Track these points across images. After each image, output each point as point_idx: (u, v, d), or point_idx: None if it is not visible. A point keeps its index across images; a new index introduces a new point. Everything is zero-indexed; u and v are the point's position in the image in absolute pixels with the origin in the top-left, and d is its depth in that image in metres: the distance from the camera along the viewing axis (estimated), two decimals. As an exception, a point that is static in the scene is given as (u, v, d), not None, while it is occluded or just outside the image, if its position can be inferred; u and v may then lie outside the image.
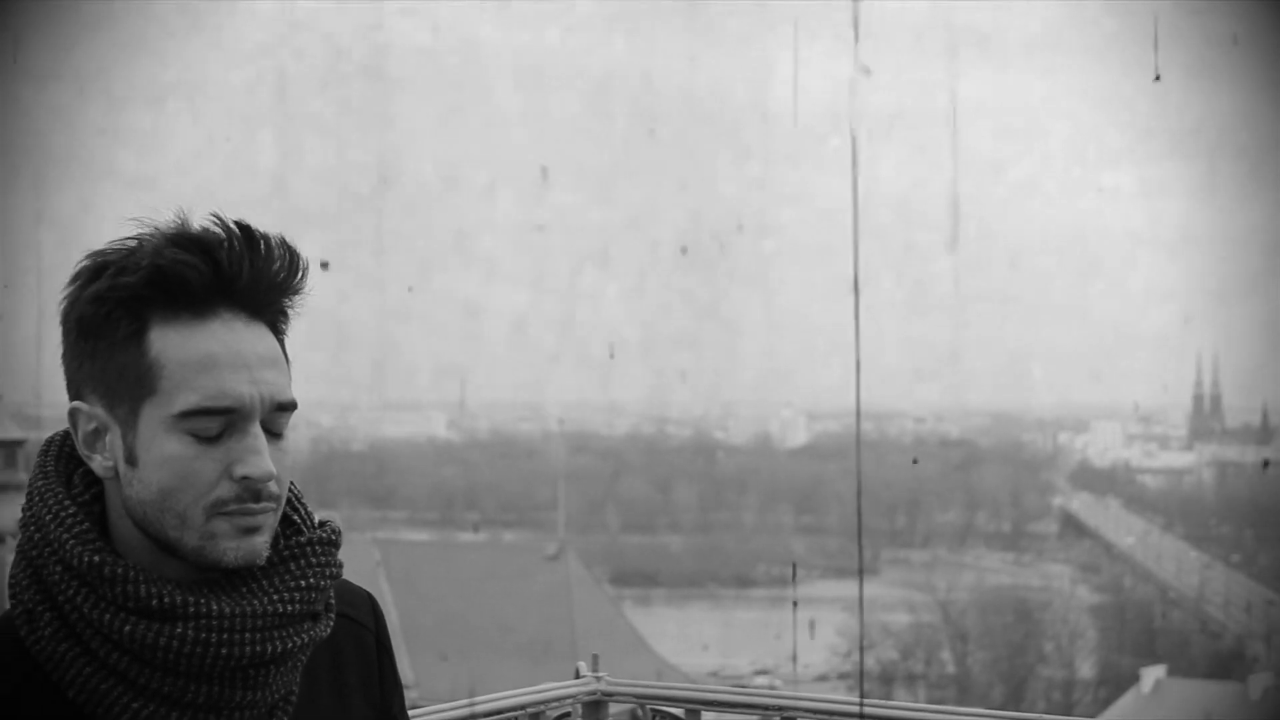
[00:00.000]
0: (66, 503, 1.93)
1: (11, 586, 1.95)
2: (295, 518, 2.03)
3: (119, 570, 1.87)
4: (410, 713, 2.32)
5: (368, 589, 2.23)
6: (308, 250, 1.98)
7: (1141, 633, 58.90)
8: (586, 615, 52.68)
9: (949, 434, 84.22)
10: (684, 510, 78.45)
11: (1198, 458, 76.88)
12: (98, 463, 1.93)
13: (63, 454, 2.00)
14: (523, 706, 4.50)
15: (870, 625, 59.20)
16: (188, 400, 1.87)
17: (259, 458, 1.89)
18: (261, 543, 1.91)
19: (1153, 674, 48.09)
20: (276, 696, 1.94)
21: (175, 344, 1.88)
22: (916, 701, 38.59)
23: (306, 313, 2.01)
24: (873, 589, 68.27)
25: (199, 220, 1.93)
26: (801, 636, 61.25)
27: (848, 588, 67.78)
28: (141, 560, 1.90)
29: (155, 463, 1.88)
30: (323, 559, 1.99)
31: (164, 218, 1.94)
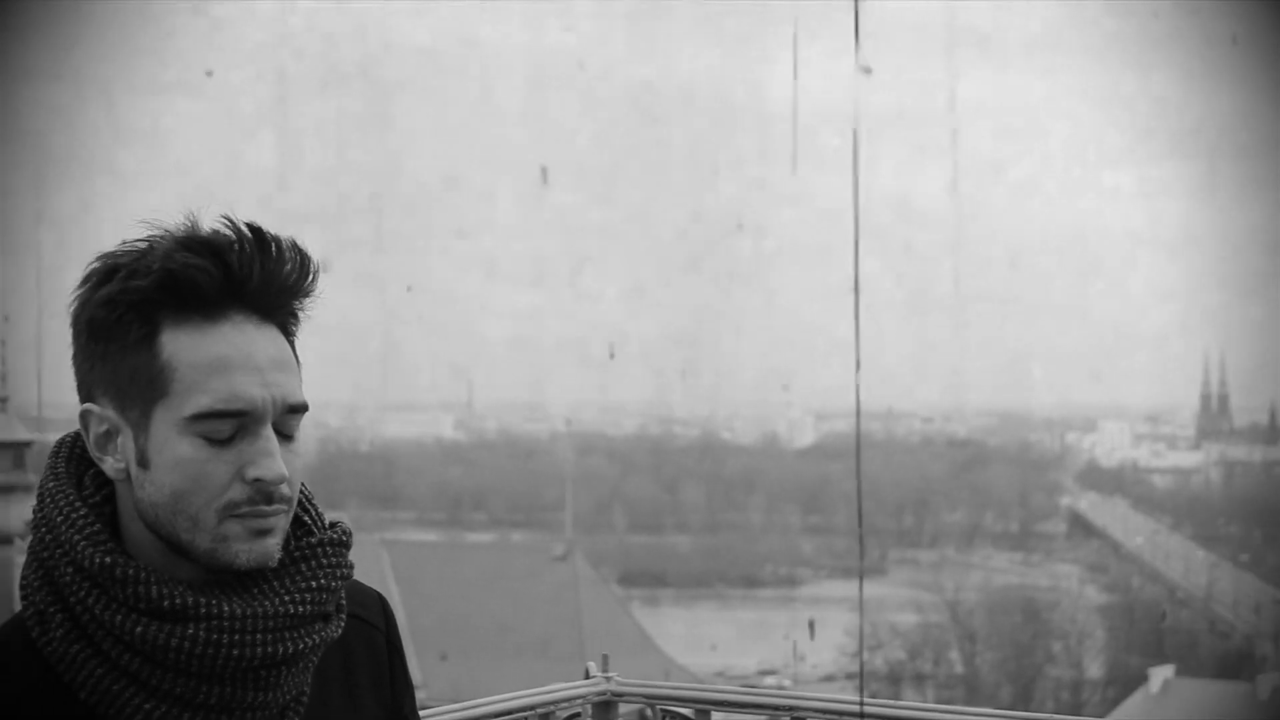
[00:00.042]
0: (78, 504, 1.93)
1: (23, 588, 1.95)
2: (306, 519, 2.03)
3: (130, 571, 1.87)
4: (420, 713, 2.32)
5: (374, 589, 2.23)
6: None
7: (1150, 632, 58.88)
8: (594, 615, 52.72)
9: (956, 434, 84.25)
10: (691, 510, 78.49)
11: (1205, 457, 76.88)
12: (109, 465, 1.93)
13: (73, 455, 2.00)
14: (532, 707, 4.50)
15: (878, 625, 59.24)
16: (200, 403, 1.87)
17: (271, 460, 1.89)
18: (274, 545, 1.91)
19: (1161, 674, 48.08)
20: (288, 697, 1.94)
21: (187, 346, 1.88)
22: (925, 701, 38.57)
23: (312, 314, 2.01)
24: (881, 589, 68.29)
25: (209, 222, 1.93)
26: (808, 636, 61.24)
27: (855, 588, 67.80)
28: (153, 561, 1.90)
29: (167, 465, 1.88)
30: (334, 560, 1.99)
31: (173, 219, 1.94)
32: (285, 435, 1.92)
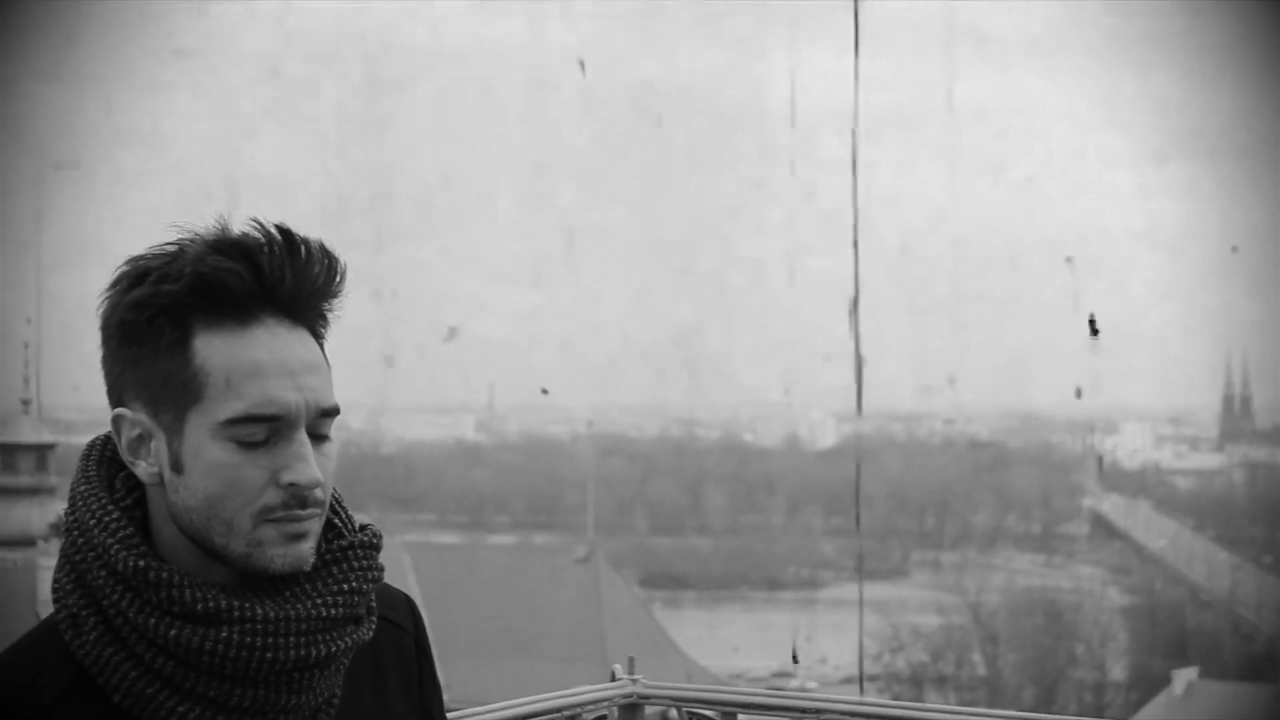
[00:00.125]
0: (110, 507, 1.93)
1: (55, 590, 1.95)
2: (336, 521, 2.03)
3: (164, 575, 1.87)
4: (447, 715, 2.32)
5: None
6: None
7: (1173, 635, 58.75)
8: (615, 617, 52.72)
9: (978, 435, 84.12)
10: (713, 512, 78.51)
11: (1228, 459, 76.70)
12: (142, 469, 1.93)
13: (104, 458, 2.00)
14: (559, 709, 4.50)
15: (900, 627, 59.21)
16: (234, 408, 1.87)
17: (305, 464, 1.89)
18: (307, 549, 1.92)
19: (1184, 676, 47.96)
20: (320, 700, 1.95)
21: (220, 351, 1.88)
22: (947, 704, 38.52)
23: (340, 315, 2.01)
24: (903, 591, 68.27)
25: (239, 224, 1.92)
26: (831, 637, 61.24)
27: (878, 589, 67.80)
28: (185, 565, 1.91)
29: (202, 470, 1.88)
30: (364, 563, 2.00)
31: (203, 221, 1.94)
32: (318, 438, 1.93)
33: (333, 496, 2.01)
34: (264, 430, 1.87)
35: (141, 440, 1.92)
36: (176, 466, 1.89)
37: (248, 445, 1.87)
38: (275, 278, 1.89)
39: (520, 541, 71.87)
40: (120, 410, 1.93)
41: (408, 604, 2.22)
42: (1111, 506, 78.31)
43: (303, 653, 1.88)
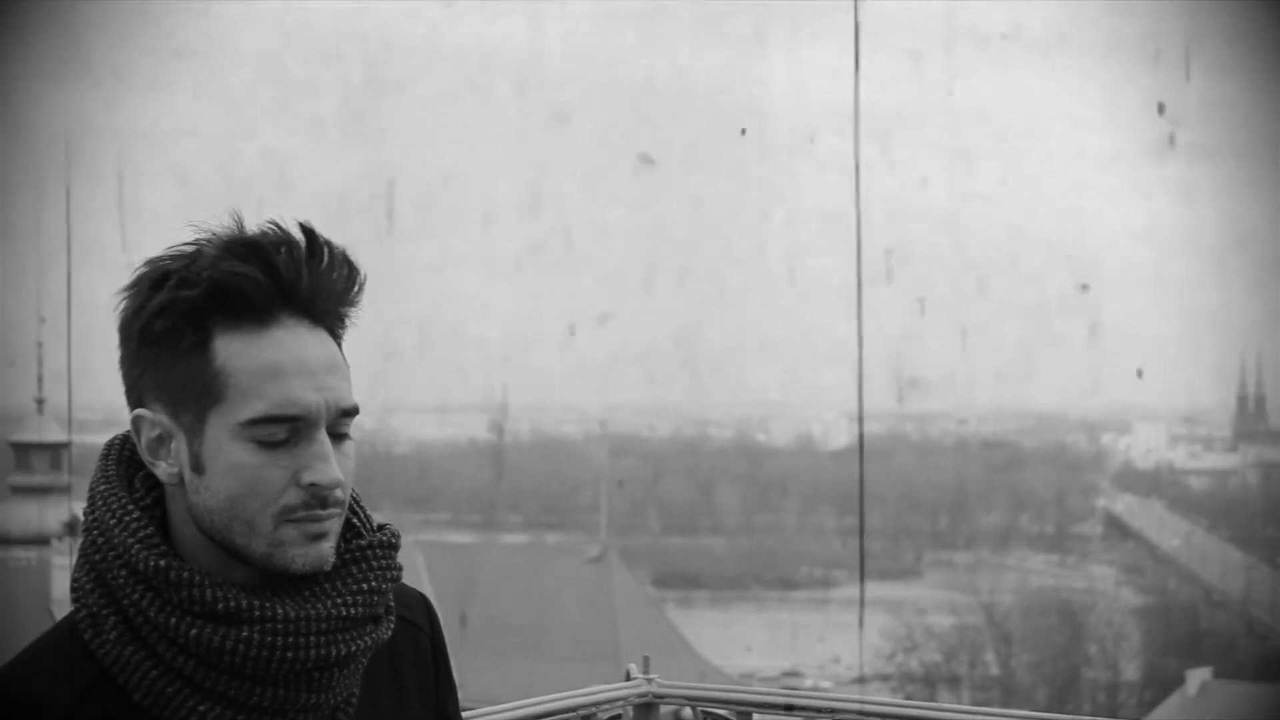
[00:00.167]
0: (130, 507, 1.93)
1: (75, 590, 1.96)
2: (355, 521, 2.03)
3: (185, 575, 1.88)
4: (462, 714, 2.33)
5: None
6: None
7: (1187, 635, 58.67)
8: (628, 617, 52.72)
9: (991, 435, 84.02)
10: (726, 512, 78.47)
11: (1242, 459, 76.53)
12: (162, 469, 1.93)
13: (122, 457, 2.01)
14: (574, 708, 4.51)
15: (914, 627, 59.18)
16: (255, 409, 1.87)
17: (326, 464, 1.89)
18: (328, 549, 1.92)
19: (1198, 676, 47.88)
20: (339, 699, 1.96)
21: (240, 352, 1.88)
22: (960, 704, 38.50)
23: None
24: (916, 591, 68.22)
25: (258, 224, 1.93)
26: (845, 637, 61.23)
27: (891, 589, 67.73)
28: (205, 564, 1.91)
29: (223, 471, 1.89)
30: (383, 562, 2.00)
31: (220, 221, 1.94)
32: (337, 437, 1.93)
33: (351, 496, 2.02)
34: (285, 430, 1.88)
35: (161, 441, 1.92)
36: (197, 467, 1.90)
37: (269, 445, 1.88)
38: (291, 278, 1.90)
39: (533, 541, 71.86)
40: (140, 411, 1.94)
41: (424, 603, 2.22)
42: (1125, 506, 78.18)
43: (323, 652, 1.89)
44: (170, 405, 1.91)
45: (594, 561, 56.37)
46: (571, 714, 4.49)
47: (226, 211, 1.95)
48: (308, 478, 1.88)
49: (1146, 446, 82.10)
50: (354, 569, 1.96)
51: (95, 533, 1.94)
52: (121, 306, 1.94)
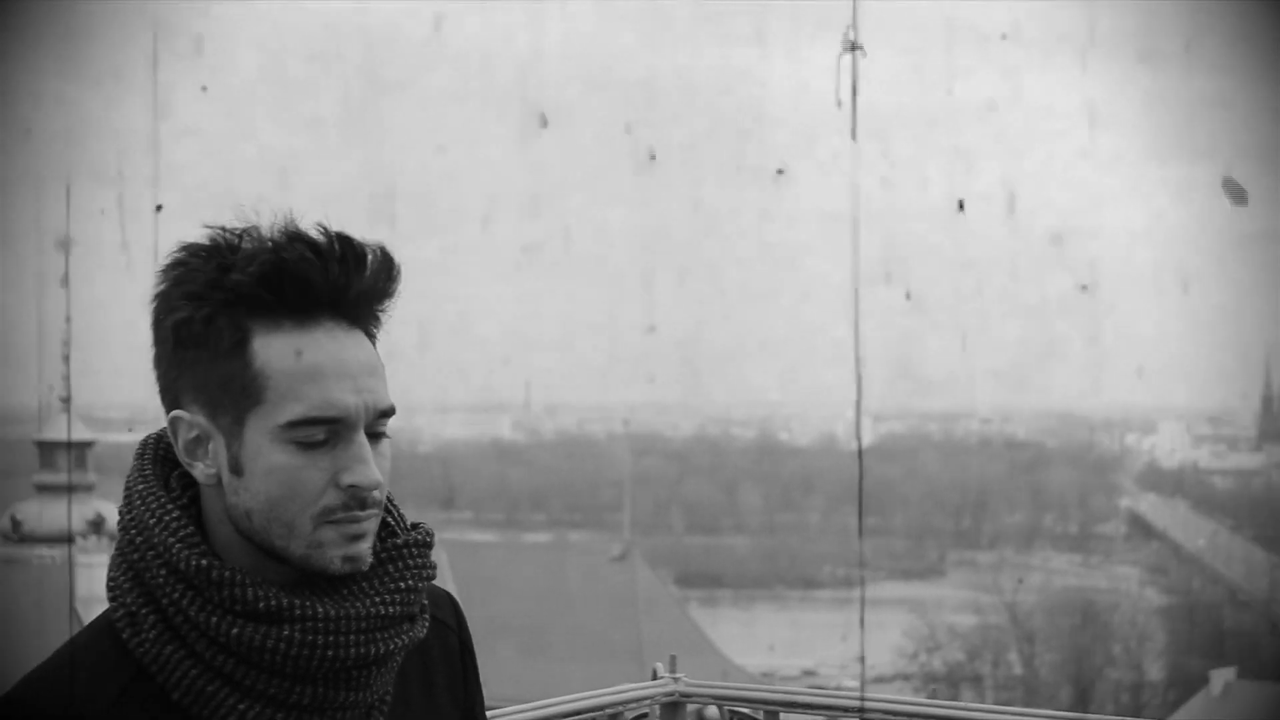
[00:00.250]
0: (170, 506, 1.94)
1: (111, 589, 1.96)
2: (389, 520, 2.04)
3: (226, 574, 1.88)
4: (489, 713, 2.34)
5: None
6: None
7: (1211, 635, 58.47)
8: (651, 616, 52.65)
9: (1016, 435, 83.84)
10: (749, 512, 78.40)
11: (1267, 459, 76.28)
12: (200, 470, 1.94)
13: (158, 456, 2.01)
14: (601, 707, 4.52)
15: (937, 626, 59.05)
16: (295, 411, 1.88)
17: (365, 466, 1.90)
18: (366, 549, 1.93)
19: (1222, 676, 47.71)
20: (375, 697, 1.97)
21: (280, 354, 1.89)
22: (984, 703, 38.44)
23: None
24: (939, 590, 68.11)
25: (306, 225, 1.92)
26: (868, 636, 61.09)
27: (914, 589, 67.64)
28: (240, 563, 1.92)
29: (262, 472, 1.89)
30: (419, 560, 2.02)
31: (267, 216, 1.92)
32: (374, 436, 1.94)
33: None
34: (324, 432, 1.89)
35: (199, 442, 1.93)
36: (236, 469, 1.91)
37: (308, 447, 1.89)
38: (343, 283, 1.90)
39: (556, 540, 71.77)
40: (178, 412, 1.94)
41: (451, 602, 2.24)
42: (1149, 506, 77.99)
43: (362, 650, 1.90)
44: (208, 407, 1.91)
45: (617, 560, 56.30)
46: (599, 713, 4.50)
47: (269, 210, 1.94)
48: (347, 479, 1.89)
49: (1171, 446, 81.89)
50: (390, 568, 1.97)
51: (133, 532, 1.94)
52: (159, 290, 1.93)
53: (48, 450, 41.70)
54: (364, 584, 1.94)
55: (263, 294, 1.88)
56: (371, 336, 1.98)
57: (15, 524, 41.41)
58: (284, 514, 1.89)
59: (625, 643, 48.94)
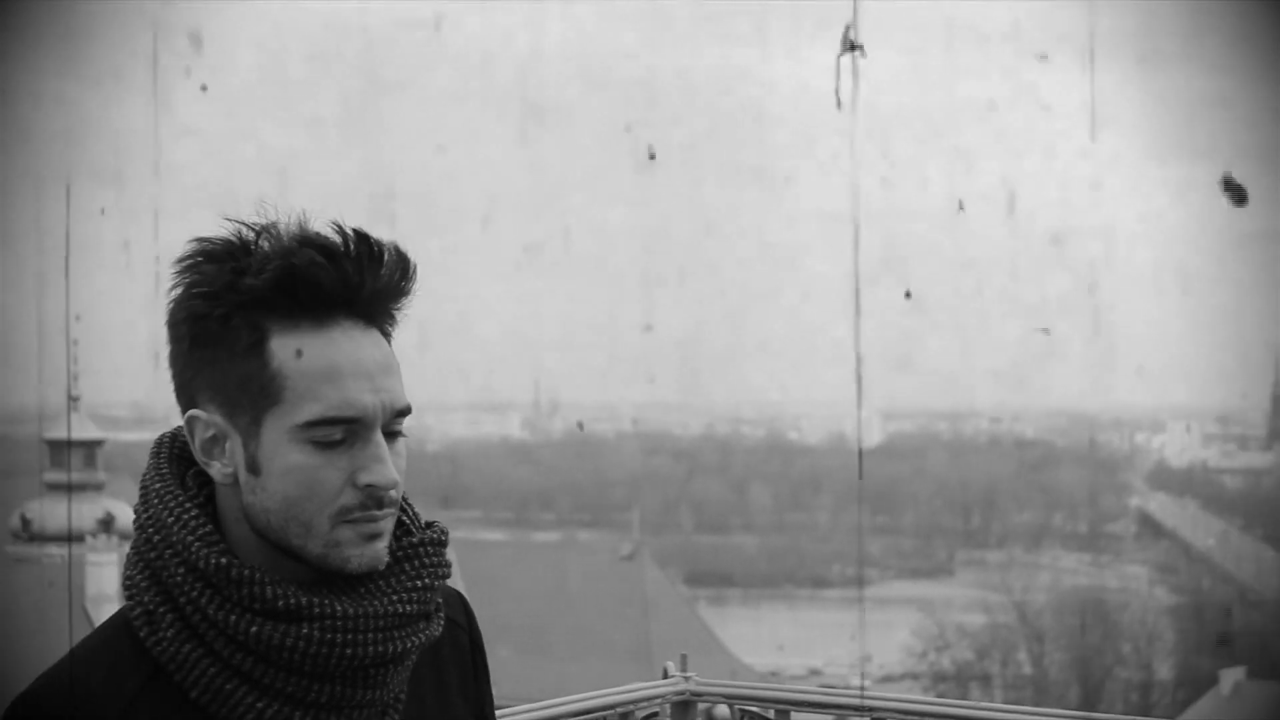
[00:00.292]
0: (187, 505, 1.94)
1: (128, 587, 1.96)
2: (404, 518, 2.04)
3: (245, 573, 1.89)
4: (499, 712, 2.35)
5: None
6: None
7: (1220, 634, 58.37)
8: (660, 615, 52.64)
9: (1025, 434, 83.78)
10: (758, 511, 78.37)
11: (1277, 458, 76.16)
12: (216, 469, 1.94)
13: (173, 455, 2.01)
14: (611, 706, 4.52)
15: (946, 626, 59.03)
16: (312, 411, 1.88)
17: (383, 466, 1.91)
18: (383, 548, 1.94)
19: (1232, 676, 47.65)
20: (391, 695, 1.97)
21: (297, 354, 1.89)
22: (993, 702, 38.39)
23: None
24: (948, 589, 68.09)
25: (319, 224, 1.93)
26: (877, 635, 61.10)
27: (923, 588, 67.62)
28: (258, 562, 1.92)
29: (280, 472, 1.90)
30: (434, 559, 2.02)
31: (281, 215, 1.93)
32: (390, 434, 1.94)
33: (400, 493, 2.03)
34: (341, 431, 1.89)
35: (216, 441, 1.93)
36: (253, 468, 1.91)
37: (325, 446, 1.89)
38: (356, 282, 1.91)
39: (565, 539, 71.77)
40: (195, 412, 1.94)
41: (461, 601, 2.24)
42: (1158, 505, 77.90)
43: (380, 649, 1.90)
44: (225, 406, 1.92)
45: (626, 559, 56.30)
46: (610, 711, 4.50)
47: (271, 207, 1.94)
48: (365, 479, 1.90)
49: (1180, 445, 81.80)
50: (406, 566, 1.98)
51: (151, 530, 1.94)
52: (175, 292, 1.93)
53: (57, 449, 41.76)
54: (381, 583, 1.94)
55: (277, 298, 1.88)
56: (387, 335, 1.98)
57: (25, 523, 41.47)
58: (301, 513, 1.89)
59: (634, 642, 48.98)
